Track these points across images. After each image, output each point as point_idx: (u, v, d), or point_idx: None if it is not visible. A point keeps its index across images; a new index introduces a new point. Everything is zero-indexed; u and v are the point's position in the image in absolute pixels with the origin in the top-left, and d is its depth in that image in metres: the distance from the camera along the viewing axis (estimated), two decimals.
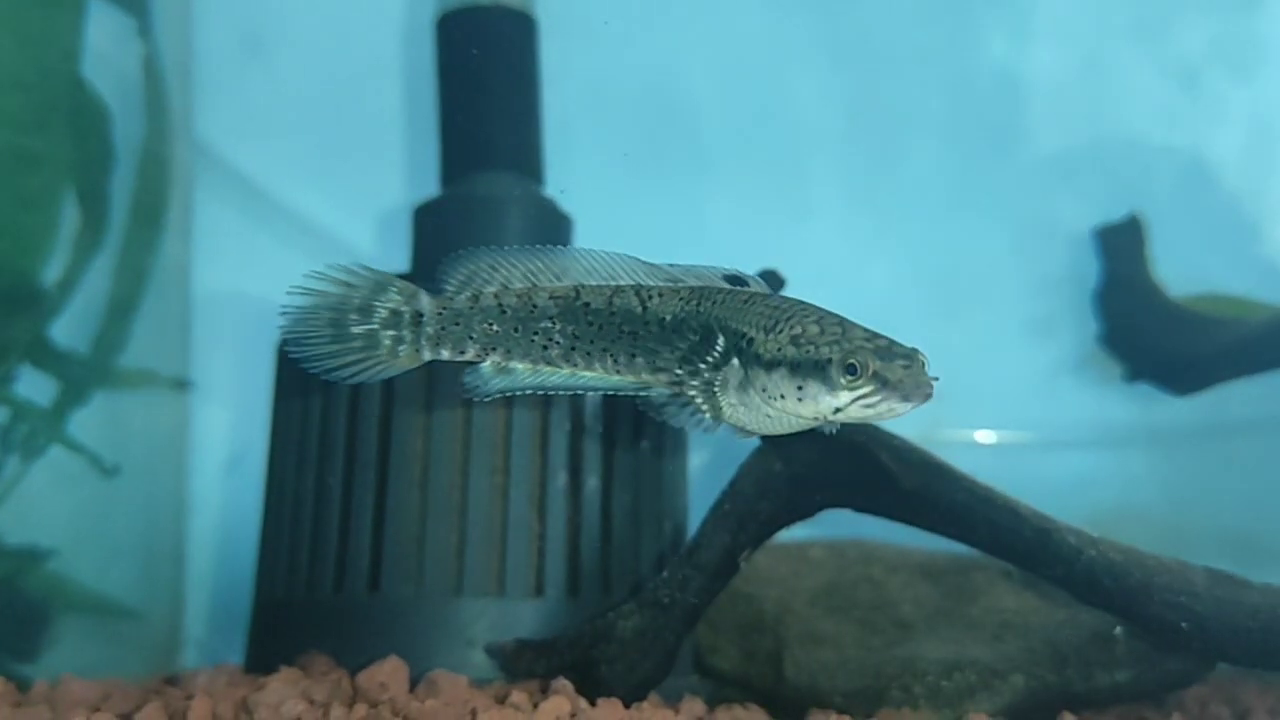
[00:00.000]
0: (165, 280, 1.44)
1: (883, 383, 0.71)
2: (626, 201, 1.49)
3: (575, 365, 0.79)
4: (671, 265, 0.79)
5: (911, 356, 0.73)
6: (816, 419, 0.74)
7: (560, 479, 1.09)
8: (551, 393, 0.82)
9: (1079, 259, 1.51)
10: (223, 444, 1.50)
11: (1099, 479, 1.52)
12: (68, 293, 1.28)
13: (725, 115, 1.57)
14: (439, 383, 1.10)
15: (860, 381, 0.71)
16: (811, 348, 0.72)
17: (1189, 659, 1.07)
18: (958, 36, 1.58)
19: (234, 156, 1.50)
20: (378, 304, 0.79)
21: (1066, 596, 1.06)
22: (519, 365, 0.80)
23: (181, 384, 1.50)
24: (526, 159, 1.31)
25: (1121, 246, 1.45)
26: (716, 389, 0.75)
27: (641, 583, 1.07)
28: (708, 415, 0.76)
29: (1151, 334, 1.41)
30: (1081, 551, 0.92)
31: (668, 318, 0.77)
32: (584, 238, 1.30)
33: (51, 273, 1.26)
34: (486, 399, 0.82)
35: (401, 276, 0.83)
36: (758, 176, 1.56)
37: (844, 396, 0.72)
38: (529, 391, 0.81)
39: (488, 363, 0.80)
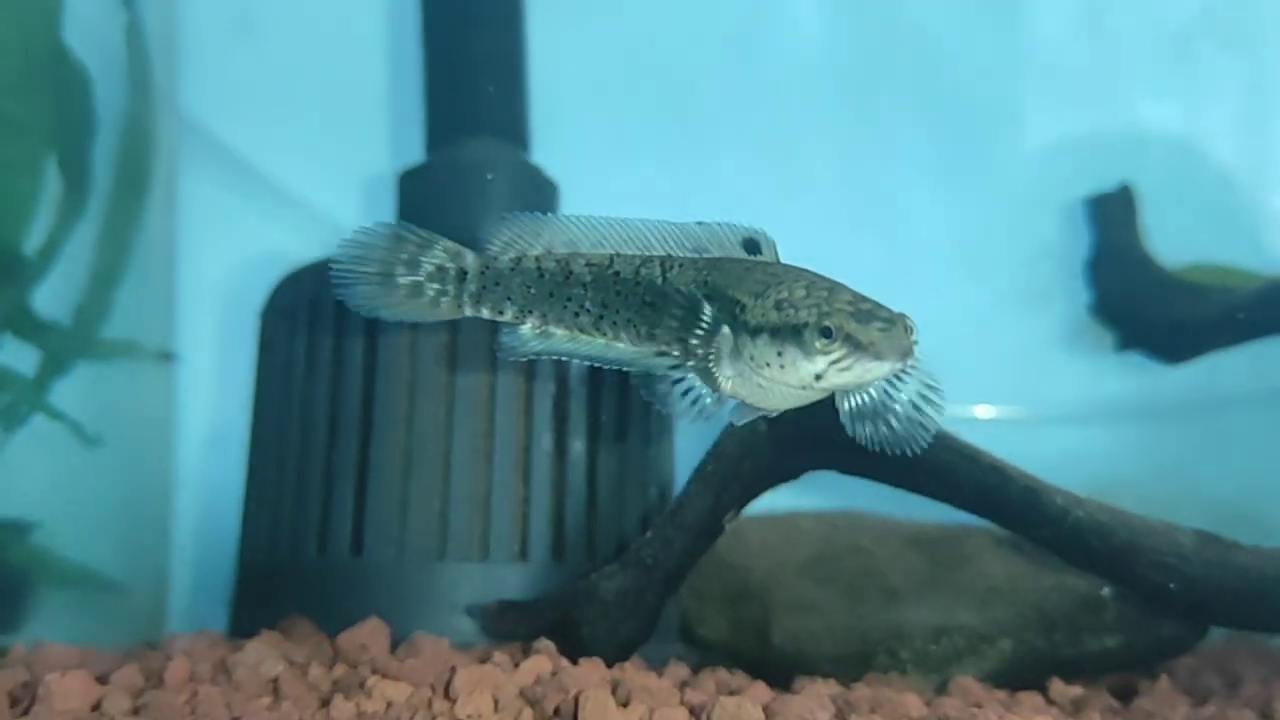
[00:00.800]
0: (149, 251, 1.43)
1: (855, 345, 0.70)
2: (617, 171, 1.48)
3: (605, 334, 0.79)
4: (699, 224, 0.79)
5: (892, 320, 0.72)
6: (803, 387, 0.72)
7: (545, 443, 1.08)
8: (585, 361, 0.81)
9: (1071, 229, 1.50)
10: (209, 415, 1.49)
11: (1091, 451, 1.51)
12: (49, 261, 1.26)
13: (717, 87, 1.55)
14: (422, 347, 1.09)
15: (834, 345, 0.71)
16: (792, 311, 0.72)
17: (1179, 625, 1.07)
18: (952, 10, 1.57)
19: (219, 126, 1.48)
20: (424, 259, 0.82)
21: (1056, 563, 1.05)
22: (557, 331, 0.81)
23: (166, 355, 1.48)
24: (511, 125, 1.30)
25: (1113, 216, 1.44)
26: (711, 363, 0.74)
27: (627, 545, 1.06)
28: (705, 395, 0.75)
29: (1142, 303, 1.40)
30: (1068, 512, 0.92)
31: (683, 289, 0.76)
32: (570, 209, 1.29)
33: (33, 241, 1.25)
34: (519, 359, 0.84)
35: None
36: (751, 149, 1.55)
37: (820, 362, 0.71)
38: (563, 357, 0.81)
39: (528, 325, 0.81)
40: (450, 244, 0.82)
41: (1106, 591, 1.02)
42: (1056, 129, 1.53)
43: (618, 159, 1.48)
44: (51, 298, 1.28)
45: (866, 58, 1.56)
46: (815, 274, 0.76)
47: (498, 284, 0.81)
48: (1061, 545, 0.93)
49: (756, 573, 1.24)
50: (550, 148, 1.34)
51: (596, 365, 0.80)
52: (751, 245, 0.78)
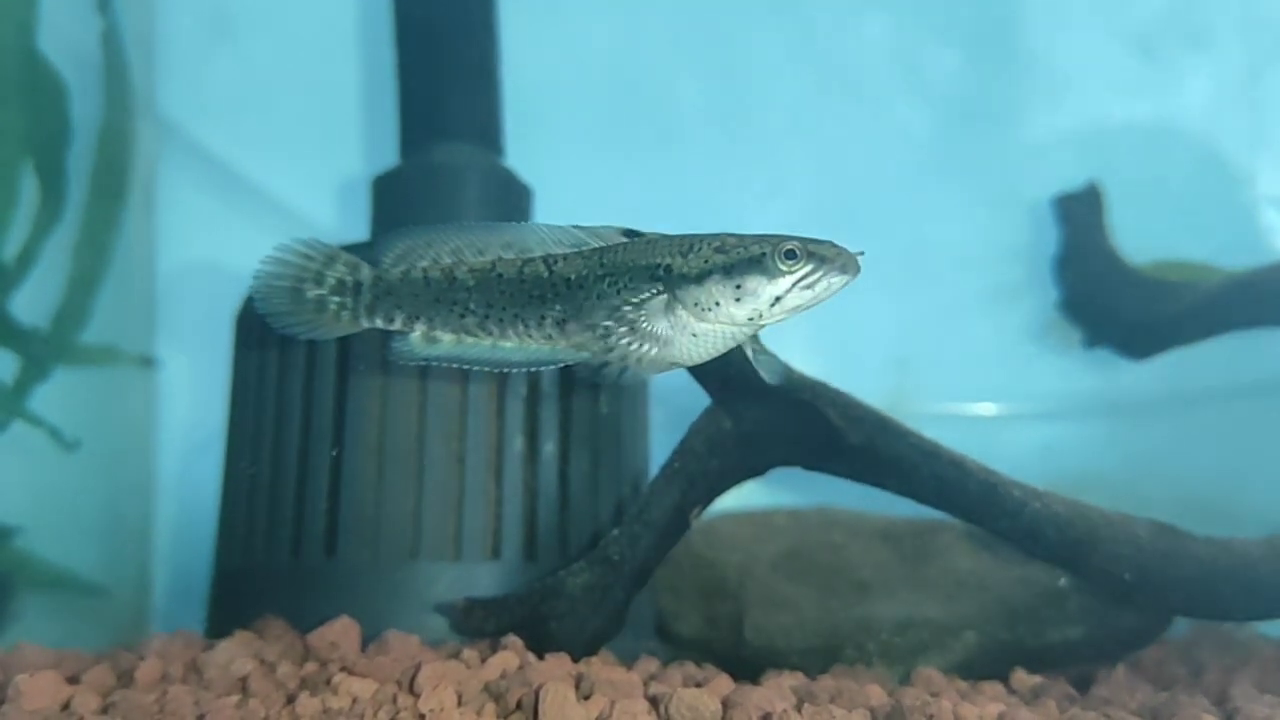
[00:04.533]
0: (129, 256, 1.44)
1: (820, 260, 0.76)
2: (591, 176, 1.49)
3: (491, 334, 0.84)
4: (576, 227, 0.83)
5: (833, 243, 0.78)
6: (751, 319, 0.78)
7: (517, 444, 1.09)
8: (472, 366, 0.86)
9: (1040, 228, 1.52)
10: (190, 419, 1.50)
11: (1062, 446, 1.53)
12: (26, 267, 1.28)
13: (691, 89, 1.57)
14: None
15: (799, 264, 0.76)
16: (741, 249, 0.77)
17: (1142, 616, 1.09)
18: (924, 11, 1.58)
19: (198, 131, 1.49)
20: (328, 273, 0.86)
21: (1022, 556, 1.07)
22: (444, 336, 0.85)
23: (147, 360, 1.50)
24: (485, 129, 1.31)
25: (1080, 214, 1.45)
26: (643, 321, 0.78)
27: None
28: (635, 351, 0.79)
29: (1109, 300, 1.42)
30: (1026, 504, 0.93)
31: (572, 277, 0.81)
32: (548, 213, 1.30)
33: (10, 247, 1.26)
34: (411, 364, 0.88)
35: (358, 245, 0.90)
36: (725, 151, 1.57)
37: (784, 283, 0.77)
38: (451, 364, 0.86)
39: (416, 332, 0.86)
40: (350, 257, 0.86)
41: (1064, 582, 1.03)
42: (1028, 129, 1.56)
43: (593, 163, 1.50)
44: (30, 304, 1.29)
45: (843, 60, 1.58)
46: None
47: (389, 294, 0.85)
48: (1019, 537, 0.95)
49: (731, 569, 1.26)
50: (525, 152, 1.36)
51: (489, 369, 0.85)
52: (631, 234, 0.83)
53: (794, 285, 0.76)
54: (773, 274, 0.76)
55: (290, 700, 0.77)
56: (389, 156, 1.35)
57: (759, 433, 0.96)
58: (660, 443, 1.27)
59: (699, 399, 1.03)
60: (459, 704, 0.75)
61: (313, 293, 0.85)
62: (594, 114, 1.54)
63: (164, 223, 1.51)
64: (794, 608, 1.18)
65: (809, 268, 0.76)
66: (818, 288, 0.76)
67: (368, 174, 1.32)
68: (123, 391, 1.47)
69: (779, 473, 1.32)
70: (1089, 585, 1.01)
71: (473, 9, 1.35)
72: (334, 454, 1.09)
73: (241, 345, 1.22)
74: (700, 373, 0.98)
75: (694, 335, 0.78)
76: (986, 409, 1.54)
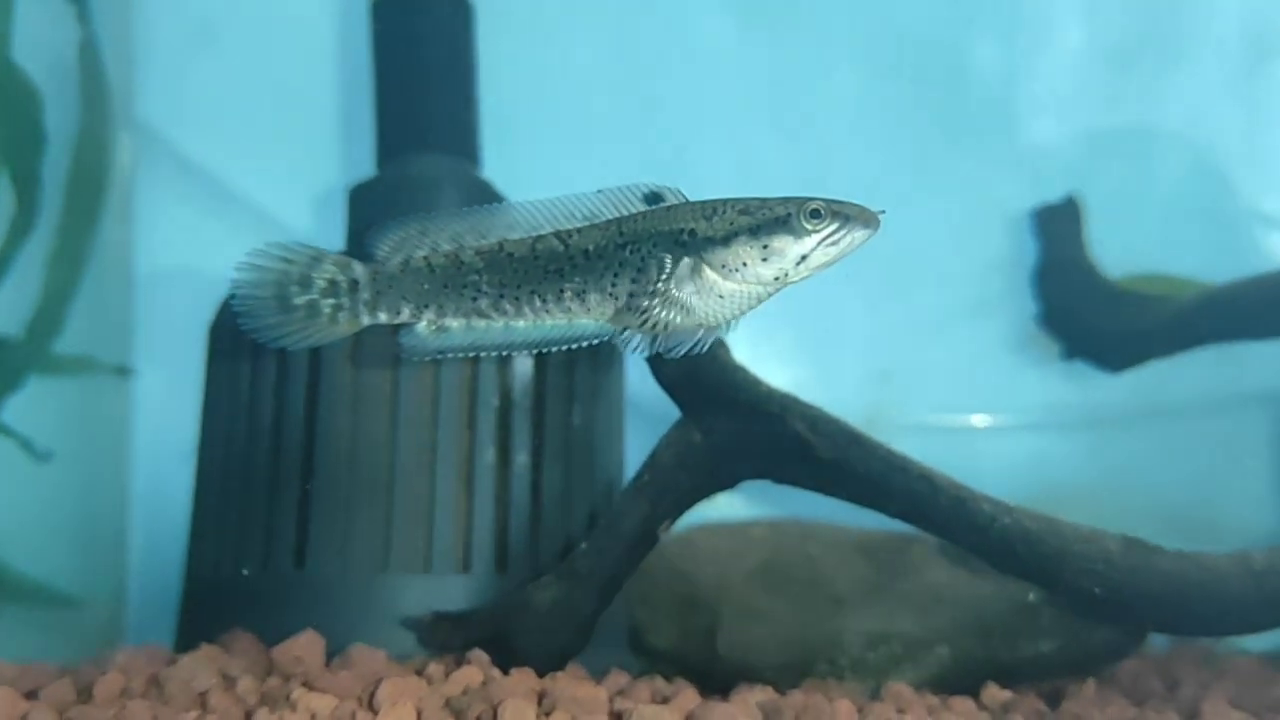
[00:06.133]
0: (105, 266, 1.44)
1: (845, 218, 0.78)
2: (570, 188, 1.49)
3: (506, 314, 0.81)
4: (591, 194, 0.82)
5: (854, 202, 0.79)
6: (778, 278, 0.79)
7: (488, 455, 1.09)
8: (488, 352, 0.84)
9: (1019, 240, 1.52)
10: (166, 430, 1.49)
11: (1041, 459, 1.53)
12: None
13: (668, 103, 1.57)
14: (365, 360, 1.10)
15: (824, 223, 0.77)
16: (766, 211, 0.78)
17: (1115, 630, 1.08)
18: (904, 24, 1.59)
19: (176, 140, 1.49)
20: (315, 276, 0.82)
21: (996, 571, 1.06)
22: (453, 323, 0.82)
23: (123, 370, 1.49)
24: (462, 141, 1.31)
25: (1059, 227, 1.46)
26: (671, 287, 0.78)
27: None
28: (663, 317, 0.78)
29: (1087, 313, 1.42)
30: (996, 519, 0.93)
31: (590, 248, 0.80)
32: None
33: None
34: (425, 359, 0.85)
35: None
36: (704, 166, 1.57)
37: (810, 241, 0.77)
38: (466, 352, 0.83)
39: (423, 322, 0.83)
40: (338, 256, 0.83)
41: (1033, 597, 1.03)
42: (1006, 142, 1.56)
43: (572, 175, 1.49)
44: (3, 313, 1.28)
45: (821, 74, 1.58)
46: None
47: (390, 286, 0.82)
48: (990, 552, 0.95)
49: (706, 581, 1.25)
50: (502, 163, 1.35)
51: (504, 353, 0.83)
52: (654, 199, 0.82)
53: (820, 243, 0.77)
54: (799, 233, 0.77)
55: (248, 717, 0.76)
56: (366, 167, 1.35)
57: (729, 446, 0.95)
58: (635, 455, 1.26)
59: (673, 411, 1.03)
60: None
61: (301, 299, 0.81)
62: (573, 126, 1.54)
63: (141, 231, 1.51)
64: (768, 621, 1.18)
65: (834, 226, 0.77)
66: (841, 244, 0.78)
67: (344, 184, 1.32)
68: (98, 401, 1.46)
69: (762, 484, 1.31)
70: (1060, 601, 1.00)
71: (450, 20, 1.35)
72: (306, 489, 1.08)
73: (214, 355, 1.21)
74: (670, 385, 0.98)
75: (720, 297, 0.79)
76: (966, 420, 1.54)
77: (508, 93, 1.43)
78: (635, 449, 1.24)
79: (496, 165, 1.34)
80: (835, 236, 0.77)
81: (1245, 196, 1.53)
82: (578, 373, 1.15)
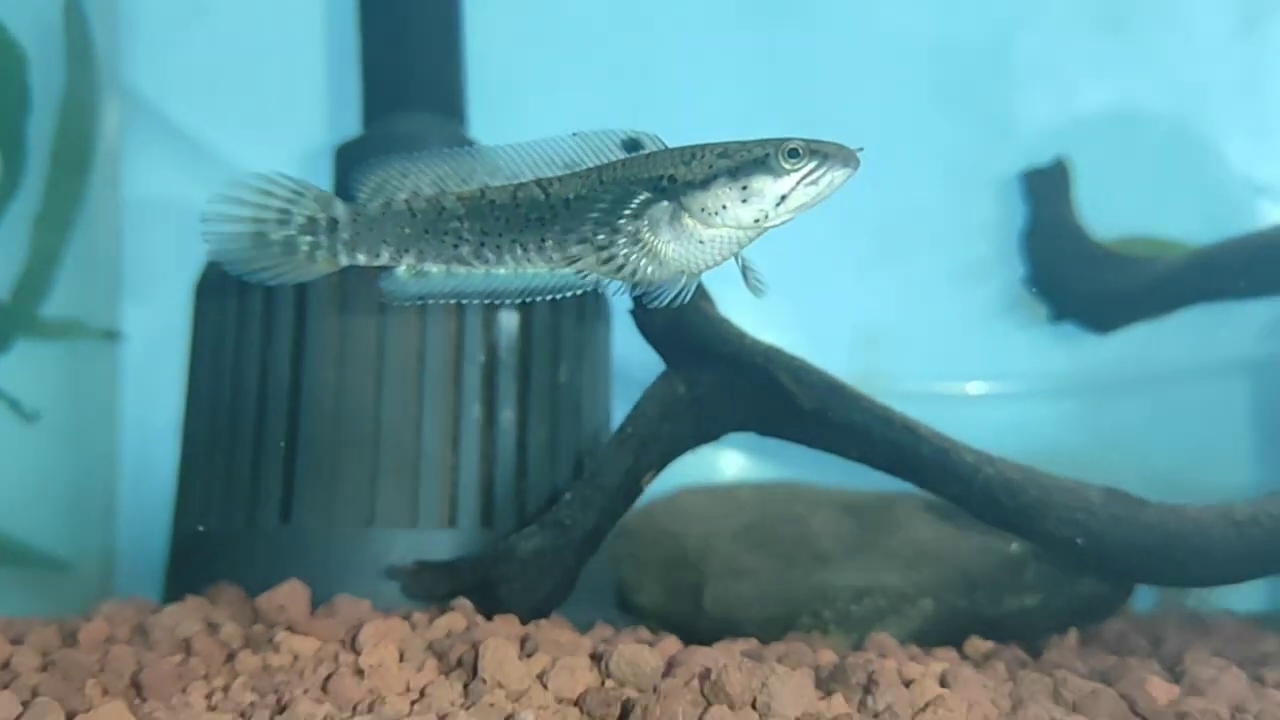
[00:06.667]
0: (93, 229, 1.43)
1: (823, 157, 0.77)
2: None
3: (487, 262, 0.81)
4: (570, 136, 0.81)
5: (833, 141, 0.79)
6: (758, 220, 0.78)
7: (474, 411, 1.09)
8: (470, 300, 0.83)
9: (1008, 204, 1.52)
10: (154, 392, 1.49)
11: (1029, 422, 1.53)
12: None
13: (662, 74, 1.56)
14: (352, 315, 1.10)
15: (802, 162, 0.77)
16: (744, 152, 0.78)
17: (1100, 584, 1.09)
18: None
19: (162, 102, 1.48)
20: (295, 211, 0.81)
21: (983, 526, 1.07)
22: (433, 269, 0.82)
23: (111, 334, 1.49)
24: (448, 99, 1.31)
25: (1047, 190, 1.45)
26: (646, 233, 0.77)
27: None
28: (643, 264, 0.78)
29: (1074, 275, 1.42)
30: (979, 469, 0.93)
31: (571, 197, 0.79)
32: None
33: None
34: (404, 304, 0.84)
35: None
36: (695, 131, 1.56)
37: (788, 181, 0.77)
38: (446, 299, 0.82)
39: (403, 266, 0.82)
40: (321, 192, 0.81)
41: (1015, 547, 1.03)
42: (995, 106, 1.55)
43: (559, 133, 1.49)
44: None
45: (812, 42, 1.57)
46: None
47: (371, 229, 0.80)
48: (972, 502, 0.95)
49: (693, 540, 1.26)
50: (489, 123, 1.35)
51: (487, 301, 0.82)
52: (632, 145, 0.81)
53: (799, 183, 0.76)
54: (778, 173, 0.76)
55: (231, 658, 0.76)
56: (352, 126, 1.35)
57: (712, 398, 0.96)
58: (621, 410, 1.26)
59: (659, 366, 1.03)
60: (400, 660, 0.75)
61: (278, 234, 0.79)
62: (562, 86, 1.53)
63: (129, 195, 1.50)
64: (753, 578, 1.18)
65: (812, 164, 0.76)
66: (821, 183, 0.77)
67: (331, 143, 1.31)
68: (85, 365, 1.46)
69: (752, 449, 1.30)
70: (1042, 551, 1.01)
71: None
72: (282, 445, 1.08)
73: (199, 313, 1.21)
74: (655, 337, 0.98)
75: (701, 242, 0.78)
76: (955, 386, 1.54)
77: (495, 52, 1.42)
78: (621, 406, 1.25)
79: (484, 125, 1.34)
80: (814, 175, 0.76)
81: (1233, 160, 1.53)
82: (563, 329, 1.15)
